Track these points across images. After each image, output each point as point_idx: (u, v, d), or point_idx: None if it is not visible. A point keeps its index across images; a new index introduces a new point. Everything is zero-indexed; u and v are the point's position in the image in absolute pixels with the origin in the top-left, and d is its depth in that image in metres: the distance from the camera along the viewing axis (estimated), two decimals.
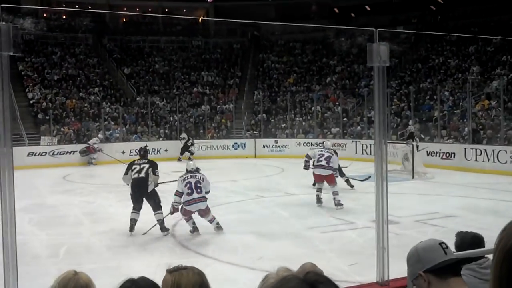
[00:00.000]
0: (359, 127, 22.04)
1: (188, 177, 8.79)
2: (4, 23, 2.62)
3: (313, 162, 11.24)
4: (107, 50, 31.36)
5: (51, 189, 14.03)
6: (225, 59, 32.44)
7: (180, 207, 8.81)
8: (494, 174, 14.80)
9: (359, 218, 9.41)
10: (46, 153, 20.04)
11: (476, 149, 16.11)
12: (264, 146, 22.76)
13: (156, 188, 9.26)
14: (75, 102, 25.47)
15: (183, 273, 2.04)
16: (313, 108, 24.59)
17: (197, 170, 9.07)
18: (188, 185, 8.66)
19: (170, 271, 2.08)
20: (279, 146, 21.65)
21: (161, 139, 23.56)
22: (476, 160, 15.99)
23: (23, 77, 26.28)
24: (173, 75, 30.09)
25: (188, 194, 8.58)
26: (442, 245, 1.85)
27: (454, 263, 1.80)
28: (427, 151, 17.32)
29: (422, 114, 21.49)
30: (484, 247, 3.08)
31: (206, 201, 8.70)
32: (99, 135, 21.46)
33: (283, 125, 24.07)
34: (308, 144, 20.82)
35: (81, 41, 31.42)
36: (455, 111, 20.28)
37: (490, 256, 1.85)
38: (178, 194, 8.75)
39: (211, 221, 8.77)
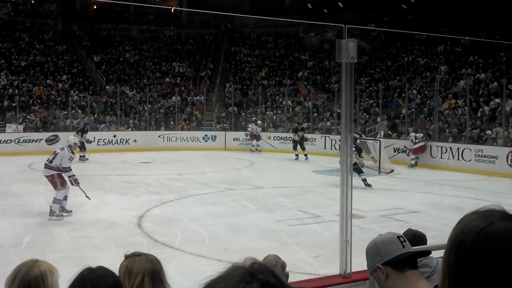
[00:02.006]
0: (328, 123, 22.27)
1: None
2: None
3: None
4: (77, 37, 30.73)
5: (15, 177, 13.73)
6: (197, 51, 32.24)
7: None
8: (458, 172, 15.20)
9: (325, 212, 9.54)
10: (11, 140, 19.56)
11: (441, 147, 16.50)
12: (234, 139, 22.76)
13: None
14: (43, 89, 24.94)
15: (136, 259, 2.06)
16: (284, 102, 24.71)
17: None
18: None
19: (126, 257, 2.10)
20: (249, 139, 21.67)
21: (130, 129, 23.30)
22: (441, 157, 16.38)
23: None
24: (144, 65, 29.75)
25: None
26: (400, 239, 1.87)
27: (411, 256, 1.83)
28: (393, 148, 17.64)
29: (390, 111, 21.85)
30: (425, 244, 3.17)
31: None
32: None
33: (254, 119, 24.14)
34: (278, 138, 20.94)
35: (49, 27, 30.69)
36: (423, 109, 20.69)
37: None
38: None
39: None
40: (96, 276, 1.80)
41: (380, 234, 1.94)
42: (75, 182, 9.57)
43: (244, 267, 0.86)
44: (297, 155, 18.60)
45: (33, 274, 2.08)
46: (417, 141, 16.74)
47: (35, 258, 2.21)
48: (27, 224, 8.63)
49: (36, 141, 19.82)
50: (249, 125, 22.03)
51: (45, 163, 9.54)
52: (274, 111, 25.13)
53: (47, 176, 9.50)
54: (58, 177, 9.40)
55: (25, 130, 20.93)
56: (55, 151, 9.76)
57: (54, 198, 9.26)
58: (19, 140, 19.58)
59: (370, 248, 1.90)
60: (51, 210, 9.19)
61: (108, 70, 28.58)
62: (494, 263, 0.88)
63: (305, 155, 18.42)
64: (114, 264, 2.17)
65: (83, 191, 9.64)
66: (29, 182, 12.96)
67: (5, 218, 9.07)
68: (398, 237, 1.89)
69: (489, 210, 0.96)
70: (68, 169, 9.45)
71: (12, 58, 26.86)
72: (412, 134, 17.14)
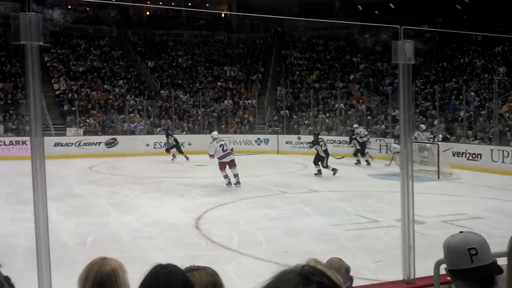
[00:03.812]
0: (383, 126, 21.87)
1: (219, 141, 13.21)
2: (34, 13, 2.65)
3: None
4: (131, 43, 31.61)
5: (77, 179, 14.23)
6: (247, 54, 32.46)
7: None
8: None
9: (383, 216, 9.37)
10: (72, 143, 20.31)
11: (503, 151, 15.87)
12: (287, 142, 22.75)
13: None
14: (100, 94, 25.78)
15: (195, 274, 2.06)
16: (336, 105, 24.48)
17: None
18: (221, 146, 12.95)
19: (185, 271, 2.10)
20: (302, 143, 21.57)
21: (184, 132, 23.70)
22: (503, 161, 15.75)
23: (49, 68, 26.65)
24: (196, 69, 30.22)
25: (223, 150, 12.88)
26: (471, 251, 1.71)
27: (482, 273, 1.68)
28: (452, 152, 17.12)
29: (448, 114, 21.23)
30: None
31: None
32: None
33: (306, 122, 24.00)
34: (332, 142, 20.72)
35: (105, 34, 31.71)
36: (481, 112, 19.98)
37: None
38: (212, 156, 13.00)
39: (236, 175, 12.87)
40: (168, 272, 1.83)
41: (460, 232, 1.82)
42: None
43: (296, 270, 0.88)
44: (358, 160, 18.28)
45: (105, 271, 2.12)
46: None
47: (104, 256, 2.26)
48: (90, 224, 8.90)
49: (95, 144, 20.52)
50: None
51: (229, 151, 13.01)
52: (327, 114, 24.93)
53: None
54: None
55: (84, 134, 21.73)
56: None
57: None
58: (80, 143, 20.32)
59: (443, 246, 1.81)
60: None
61: (162, 75, 29.22)
62: None
63: (366, 160, 18.08)
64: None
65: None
66: (90, 183, 13.43)
67: (70, 218, 9.41)
68: (469, 249, 1.73)
69: None
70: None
71: (70, 64, 27.89)
72: None
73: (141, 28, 33.03)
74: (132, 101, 25.42)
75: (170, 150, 19.44)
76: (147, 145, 19.19)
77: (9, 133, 20.73)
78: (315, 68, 30.18)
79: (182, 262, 2.22)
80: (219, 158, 12.95)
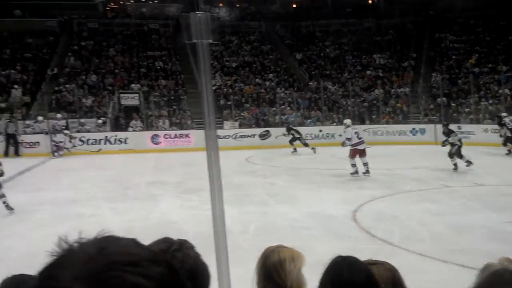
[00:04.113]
0: None
1: (353, 128, 13.45)
2: (203, 12, 2.77)
3: None
4: (279, 37, 32.24)
5: (235, 170, 14.90)
6: (398, 40, 31.17)
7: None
8: None
9: None
10: (229, 136, 21.40)
11: None
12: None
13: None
14: (252, 88, 26.77)
15: (373, 268, 1.94)
16: (500, 91, 22.37)
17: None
18: (356, 133, 13.16)
19: None
20: (462, 133, 20.09)
21: (334, 124, 23.56)
22: None
23: None
24: (344, 59, 29.84)
25: (358, 138, 13.13)
26: None
27: None
28: None
29: None
30: None
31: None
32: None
33: (466, 110, 22.32)
34: (496, 131, 19.00)
35: (255, 29, 32.76)
36: None
37: None
38: (348, 140, 13.21)
39: (365, 164, 12.87)
40: (350, 263, 1.78)
41: None
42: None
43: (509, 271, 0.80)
44: (509, 150, 16.61)
45: (272, 260, 2.18)
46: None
47: (280, 244, 2.30)
48: (251, 213, 9.25)
49: (250, 136, 21.39)
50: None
51: (363, 139, 13.42)
52: (490, 101, 22.90)
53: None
54: None
55: (240, 127, 22.77)
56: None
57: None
58: (236, 135, 21.33)
59: None
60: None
61: (310, 66, 29.38)
62: None
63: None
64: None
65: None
66: (247, 174, 14.02)
67: (232, 206, 9.88)
68: None
69: None
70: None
71: (224, 59, 29.38)
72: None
73: (289, 21, 33.51)
74: (282, 94, 25.94)
75: (293, 143, 19.38)
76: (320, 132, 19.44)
77: (173, 126, 22.52)
78: (474, 51, 27.89)
79: (340, 253, 2.14)
80: (353, 145, 13.04)
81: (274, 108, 24.42)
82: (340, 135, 21.61)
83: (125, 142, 20.94)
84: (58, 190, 12.11)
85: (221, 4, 32.87)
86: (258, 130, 21.74)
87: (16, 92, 23.65)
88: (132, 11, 33.85)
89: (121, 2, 34.34)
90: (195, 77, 27.41)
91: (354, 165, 13.02)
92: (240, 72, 28.33)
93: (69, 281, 0.58)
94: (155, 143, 20.66)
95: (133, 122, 22.15)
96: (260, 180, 13.09)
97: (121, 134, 21.24)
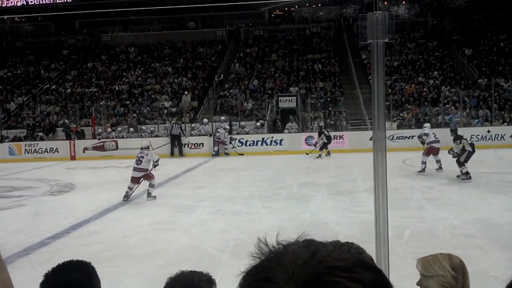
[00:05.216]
0: None
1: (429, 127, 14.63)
2: (380, 11, 2.64)
3: None
4: (447, 32, 30.29)
5: (392, 172, 14.26)
6: None
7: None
8: None
9: None
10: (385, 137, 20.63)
11: None
12: None
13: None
14: (414, 87, 25.54)
15: None
16: None
17: None
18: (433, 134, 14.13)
19: None
20: None
21: (505, 124, 21.37)
22: None
23: (366, 65, 27.80)
24: None
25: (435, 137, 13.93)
26: None
27: None
28: None
29: None
30: None
31: None
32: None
33: None
34: None
35: (421, 25, 31.27)
36: None
37: None
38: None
39: (438, 161, 13.72)
40: None
41: None
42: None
43: None
44: None
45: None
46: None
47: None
48: (407, 217, 8.72)
49: (408, 138, 20.38)
50: None
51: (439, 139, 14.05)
52: None
53: None
54: None
55: (398, 128, 21.83)
56: None
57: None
58: (393, 137, 20.50)
59: None
60: None
61: (481, 63, 27.05)
62: None
63: None
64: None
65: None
66: (404, 177, 13.34)
67: (388, 210, 9.47)
68: None
69: None
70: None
71: (386, 60, 28.44)
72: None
73: (458, 15, 31.34)
74: (447, 92, 24.33)
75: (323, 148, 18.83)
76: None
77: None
78: None
79: None
80: (428, 143, 13.98)
81: (437, 108, 22.94)
82: (511, 136, 19.67)
83: (280, 144, 21.49)
84: (217, 188, 12.84)
85: (403, 2, 32.16)
86: (417, 132, 20.59)
87: (186, 98, 25.88)
88: (295, 16, 34.77)
89: (286, 8, 35.40)
90: (353, 78, 27.08)
91: (424, 162, 13.78)
92: (401, 70, 27.23)
93: (286, 284, 0.59)
94: (309, 145, 20.84)
95: (289, 124, 22.71)
96: (417, 183, 12.36)
97: (276, 136, 21.93)
